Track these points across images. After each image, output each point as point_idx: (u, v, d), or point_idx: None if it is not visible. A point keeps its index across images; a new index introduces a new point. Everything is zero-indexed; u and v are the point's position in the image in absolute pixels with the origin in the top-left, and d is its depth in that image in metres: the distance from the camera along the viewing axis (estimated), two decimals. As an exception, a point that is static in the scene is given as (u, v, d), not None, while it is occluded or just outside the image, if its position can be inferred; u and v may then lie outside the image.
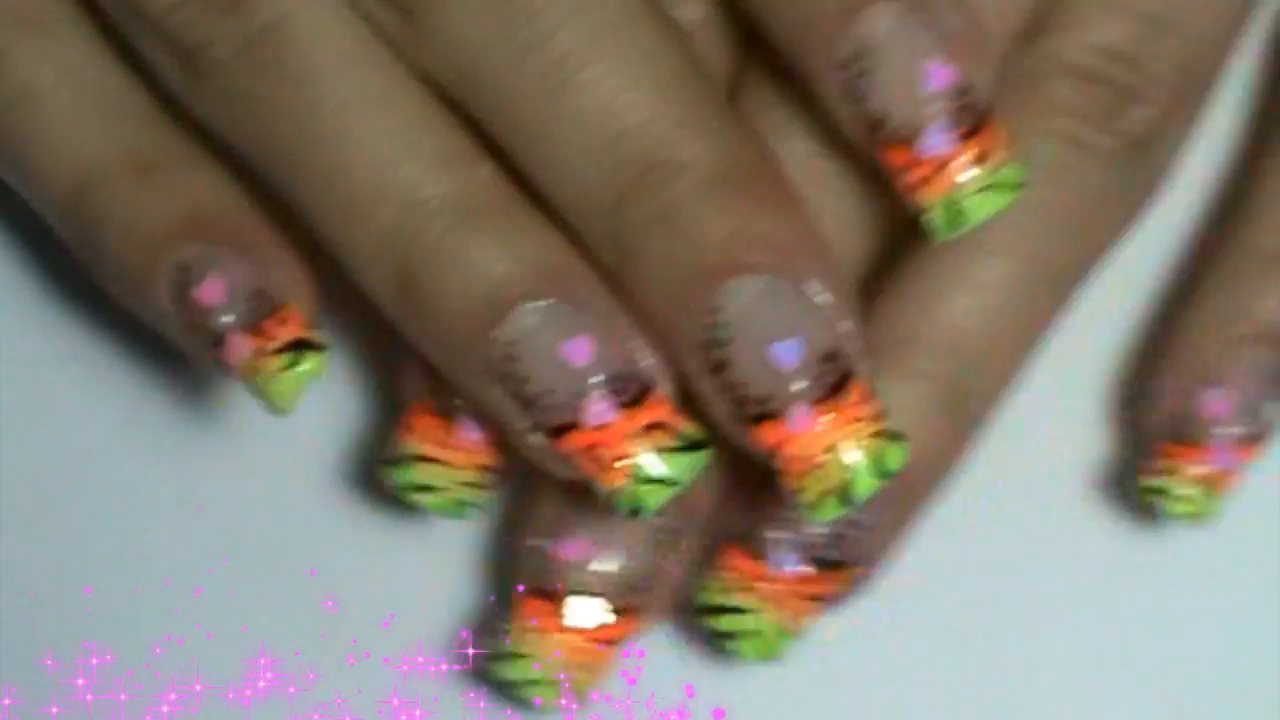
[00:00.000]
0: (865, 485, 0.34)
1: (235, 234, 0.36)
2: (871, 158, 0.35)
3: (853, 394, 0.34)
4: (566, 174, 0.34)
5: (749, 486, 0.36)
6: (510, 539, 0.38)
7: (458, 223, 0.34)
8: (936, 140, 0.34)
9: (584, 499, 0.35)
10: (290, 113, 0.35)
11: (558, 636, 0.36)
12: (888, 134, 0.34)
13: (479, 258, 0.34)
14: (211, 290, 0.35)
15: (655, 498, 0.34)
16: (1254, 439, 0.37)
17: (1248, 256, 0.37)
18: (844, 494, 0.34)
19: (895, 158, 0.34)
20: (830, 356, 0.34)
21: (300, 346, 0.35)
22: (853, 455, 0.34)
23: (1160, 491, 0.37)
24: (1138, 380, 0.39)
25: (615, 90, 0.34)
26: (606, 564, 0.36)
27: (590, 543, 0.36)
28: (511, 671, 0.36)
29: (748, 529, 0.36)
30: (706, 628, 0.36)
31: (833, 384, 0.34)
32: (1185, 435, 0.37)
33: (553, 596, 0.36)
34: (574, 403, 0.34)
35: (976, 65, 0.34)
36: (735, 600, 0.36)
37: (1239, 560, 0.39)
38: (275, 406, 0.35)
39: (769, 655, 0.36)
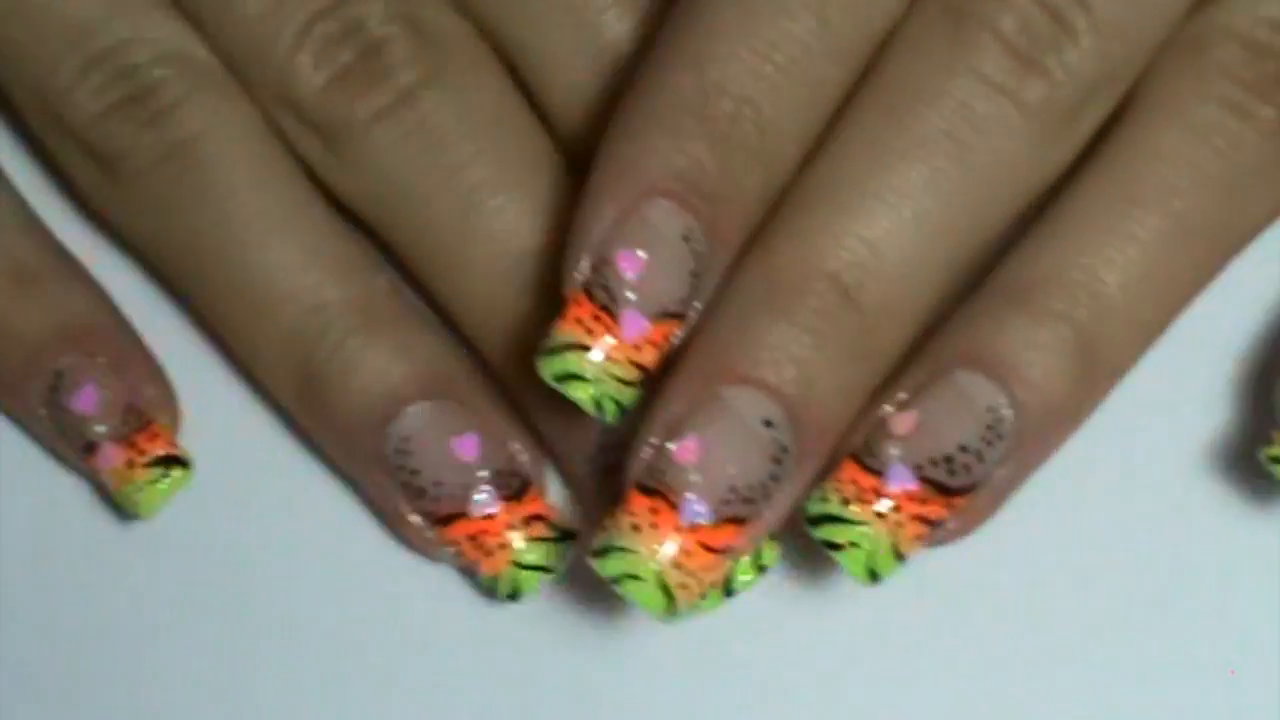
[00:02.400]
0: (747, 576, 0.37)
1: (109, 348, 0.38)
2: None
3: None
4: (470, 293, 0.38)
5: (871, 407, 0.36)
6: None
7: (357, 327, 0.38)
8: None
9: (707, 405, 0.35)
10: (202, 222, 0.38)
11: (662, 535, 0.35)
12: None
13: (376, 360, 0.38)
14: (85, 400, 0.38)
15: (531, 583, 0.38)
16: None
17: None
18: (727, 588, 0.37)
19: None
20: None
21: (167, 461, 0.38)
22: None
23: (1278, 461, 0.37)
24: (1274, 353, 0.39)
25: (522, 215, 0.37)
26: (719, 470, 0.35)
27: (706, 447, 0.35)
28: (611, 567, 0.36)
29: (868, 444, 0.36)
30: (816, 538, 0.36)
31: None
32: None
33: (663, 496, 0.35)
34: (462, 494, 0.38)
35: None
36: (846, 512, 0.36)
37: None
38: (141, 513, 0.38)
39: (872, 572, 0.36)
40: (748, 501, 0.35)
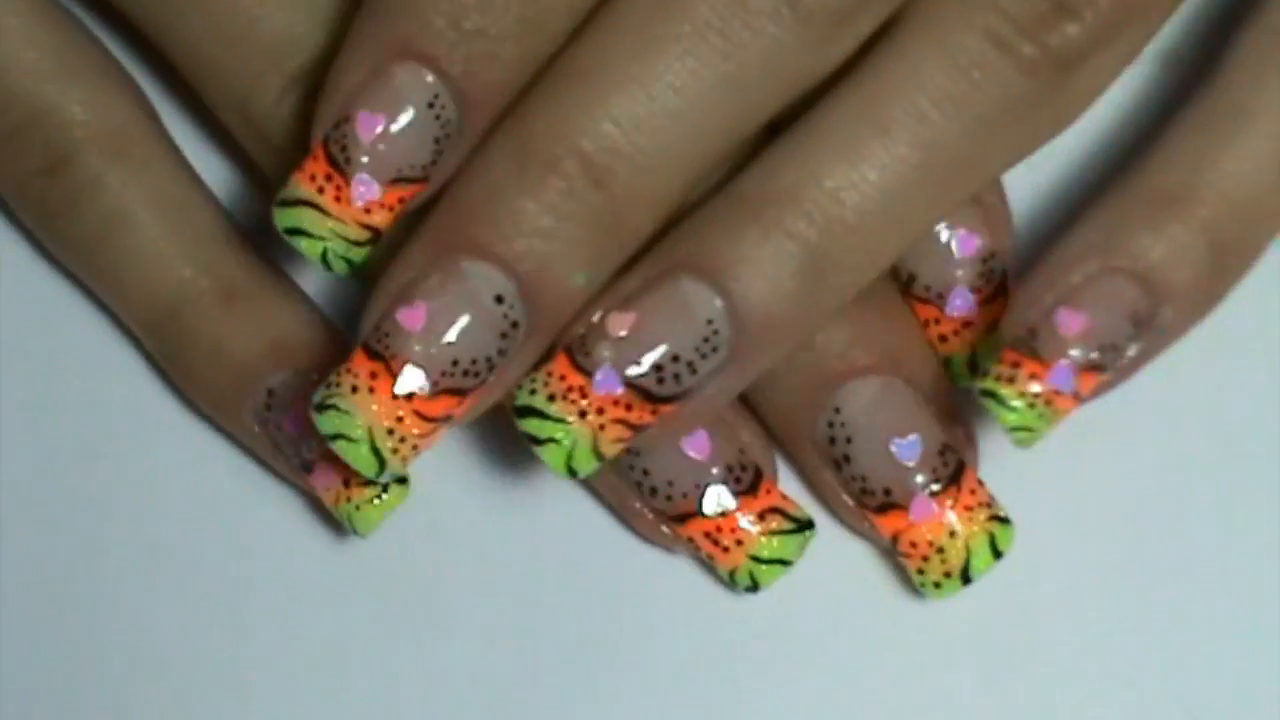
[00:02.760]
0: (983, 564, 0.37)
1: (320, 364, 0.37)
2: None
3: (968, 482, 0.37)
4: None
5: (596, 302, 0.36)
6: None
7: None
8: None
9: (438, 273, 0.35)
10: None
11: (378, 398, 0.35)
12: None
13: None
14: (297, 420, 0.37)
15: (771, 576, 0.37)
16: (1098, 369, 0.35)
17: (1133, 192, 0.36)
18: (964, 574, 0.37)
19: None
20: (944, 449, 0.37)
21: None
22: (971, 539, 0.37)
23: (992, 395, 0.36)
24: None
25: None
26: (439, 338, 0.35)
27: (431, 316, 0.35)
28: (325, 423, 0.35)
29: (583, 341, 0.35)
30: (519, 429, 0.35)
31: (950, 474, 0.37)
32: (1032, 348, 0.35)
33: (383, 360, 0.35)
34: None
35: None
36: (549, 408, 0.35)
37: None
38: (359, 531, 0.37)
39: (570, 468, 0.35)
40: (470, 375, 0.35)
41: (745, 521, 0.37)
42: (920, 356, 0.38)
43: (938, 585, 0.37)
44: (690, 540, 0.37)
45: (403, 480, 0.37)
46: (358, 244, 0.35)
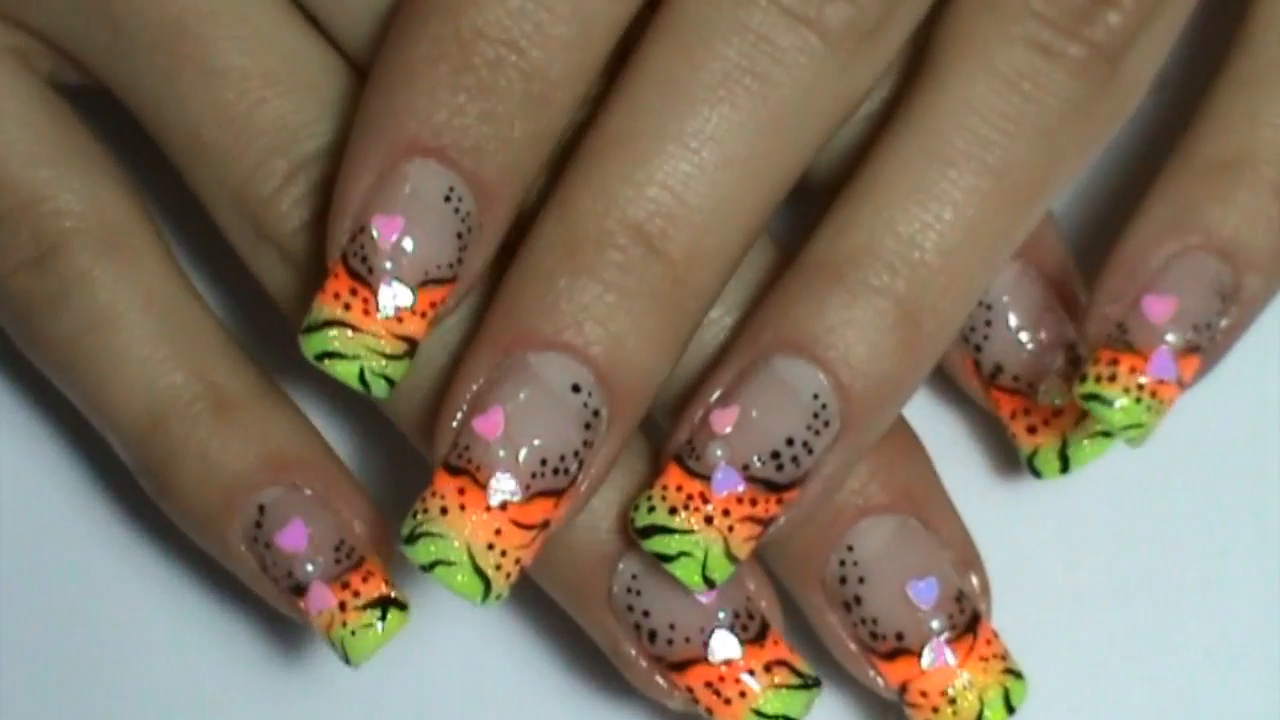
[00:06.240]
0: (996, 718, 0.36)
1: (316, 480, 0.36)
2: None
3: (983, 632, 0.36)
4: None
5: (694, 402, 0.34)
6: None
7: None
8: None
9: (509, 374, 0.34)
10: None
11: (471, 514, 0.33)
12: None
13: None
14: (293, 536, 0.35)
15: None
16: (1195, 351, 0.34)
17: (1193, 165, 0.35)
18: None
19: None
20: (960, 596, 0.36)
21: (383, 603, 0.35)
22: (986, 691, 0.35)
23: (1098, 398, 0.34)
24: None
25: None
26: (525, 443, 0.33)
27: (510, 420, 0.33)
28: (422, 553, 0.33)
29: (691, 446, 0.34)
30: (646, 550, 0.34)
31: (965, 622, 0.35)
32: (1125, 341, 0.34)
33: (468, 474, 0.33)
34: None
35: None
36: (673, 522, 0.33)
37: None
38: (351, 661, 0.35)
39: (707, 578, 0.34)
40: (560, 473, 0.33)
41: (750, 672, 0.35)
42: (939, 498, 0.37)
43: None
44: (689, 691, 0.36)
45: (402, 606, 0.36)
46: (394, 357, 0.33)
